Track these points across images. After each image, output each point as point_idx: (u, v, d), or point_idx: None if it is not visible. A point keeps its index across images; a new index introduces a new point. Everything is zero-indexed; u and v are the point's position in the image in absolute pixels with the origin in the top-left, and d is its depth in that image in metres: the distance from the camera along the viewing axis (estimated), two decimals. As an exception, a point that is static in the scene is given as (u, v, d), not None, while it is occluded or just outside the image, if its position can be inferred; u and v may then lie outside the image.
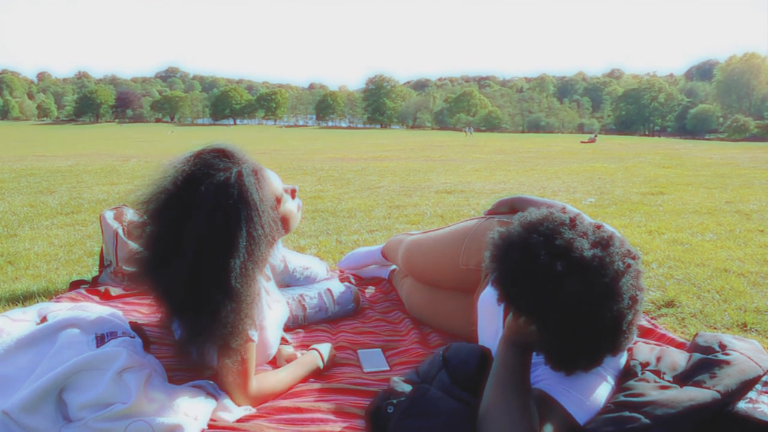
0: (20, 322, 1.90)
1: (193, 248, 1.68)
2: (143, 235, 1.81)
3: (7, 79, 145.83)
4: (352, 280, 3.28)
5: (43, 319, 1.92)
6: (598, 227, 1.57)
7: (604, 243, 1.50)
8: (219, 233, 1.69)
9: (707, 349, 1.86)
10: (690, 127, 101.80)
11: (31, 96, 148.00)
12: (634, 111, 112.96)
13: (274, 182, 1.98)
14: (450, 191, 8.03)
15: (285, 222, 2.02)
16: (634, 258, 1.52)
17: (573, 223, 1.54)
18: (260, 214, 1.75)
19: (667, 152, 21.24)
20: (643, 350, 1.91)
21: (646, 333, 2.37)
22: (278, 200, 1.97)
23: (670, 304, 3.01)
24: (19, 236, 4.77)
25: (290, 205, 2.07)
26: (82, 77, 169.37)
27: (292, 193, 2.11)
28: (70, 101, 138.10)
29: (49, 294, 3.11)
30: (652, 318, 2.77)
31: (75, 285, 3.11)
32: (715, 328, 2.70)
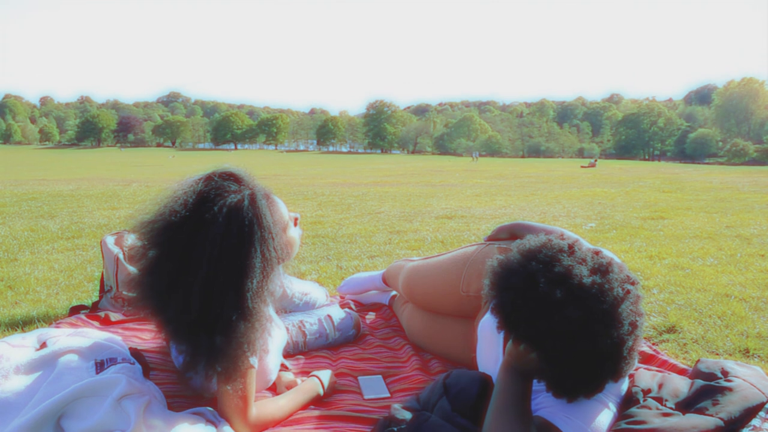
0: (20, 347, 1.89)
1: (206, 268, 1.68)
2: (146, 258, 1.80)
3: (10, 103, 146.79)
4: (353, 306, 3.27)
5: (43, 345, 1.91)
6: (597, 253, 1.57)
7: (603, 269, 1.50)
8: (234, 253, 1.70)
9: (710, 376, 1.85)
10: (689, 151, 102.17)
11: (33, 120, 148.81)
12: (633, 135, 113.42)
13: (282, 208, 2.00)
14: (450, 216, 8.03)
15: (287, 248, 2.03)
16: (633, 284, 1.52)
17: (572, 249, 1.55)
18: (273, 235, 1.76)
19: (667, 177, 21.28)
20: (645, 377, 1.90)
21: (648, 359, 2.36)
22: (285, 226, 1.98)
23: (671, 329, 3.00)
24: (19, 261, 4.77)
25: (293, 233, 2.08)
26: (84, 102, 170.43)
27: (295, 221, 2.13)
28: (73, 125, 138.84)
29: (49, 319, 3.09)
30: (653, 344, 2.75)
31: (75, 310, 3.10)
32: (718, 354, 2.68)
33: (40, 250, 5.28)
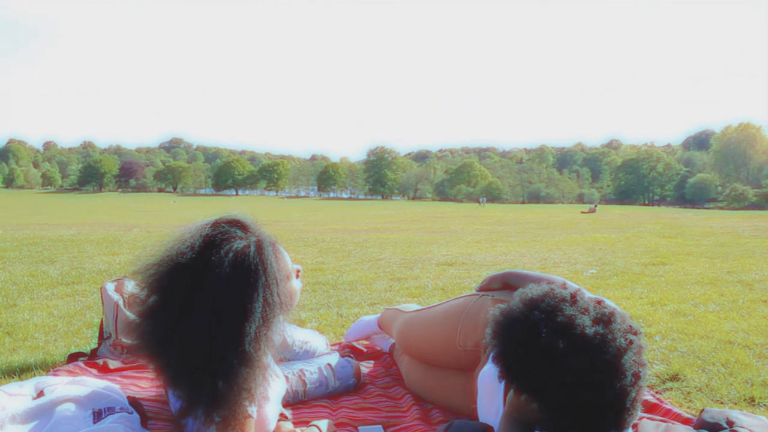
0: (17, 396, 1.87)
1: (209, 311, 1.68)
2: (148, 301, 1.79)
3: (13, 148, 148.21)
4: (353, 355, 3.25)
5: (40, 394, 1.89)
6: (599, 303, 1.57)
7: (606, 319, 1.50)
8: (237, 298, 1.70)
9: (715, 426, 1.83)
10: (689, 196, 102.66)
11: (36, 165, 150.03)
12: (633, 181, 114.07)
13: (287, 258, 2.01)
14: (451, 263, 8.02)
15: (290, 298, 2.03)
16: (636, 334, 1.51)
17: (574, 299, 1.54)
18: (277, 283, 1.77)
19: (667, 222, 21.31)
20: (649, 427, 1.88)
21: (651, 408, 2.33)
22: (288, 276, 1.99)
23: (674, 377, 2.97)
24: (18, 306, 4.75)
25: (295, 284, 2.09)
26: (87, 147, 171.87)
27: (297, 273, 2.14)
28: (75, 170, 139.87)
29: (47, 366, 3.07)
30: (656, 392, 2.72)
31: (73, 357, 3.08)
32: (722, 403, 2.65)
33: (39, 295, 5.26)
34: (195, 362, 1.69)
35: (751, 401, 2.66)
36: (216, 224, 1.82)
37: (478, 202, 73.95)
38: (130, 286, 3.06)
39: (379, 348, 3.36)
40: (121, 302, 3.02)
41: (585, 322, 1.46)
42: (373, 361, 3.20)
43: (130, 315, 2.93)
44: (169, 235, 1.84)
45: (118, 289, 3.08)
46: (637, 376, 1.46)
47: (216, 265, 1.71)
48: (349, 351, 3.31)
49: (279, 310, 1.78)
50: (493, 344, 1.57)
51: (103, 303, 3.10)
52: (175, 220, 23.17)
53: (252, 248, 1.75)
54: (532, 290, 1.61)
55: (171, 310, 1.74)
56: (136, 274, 1.84)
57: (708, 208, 75.85)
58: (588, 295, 1.64)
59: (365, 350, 3.38)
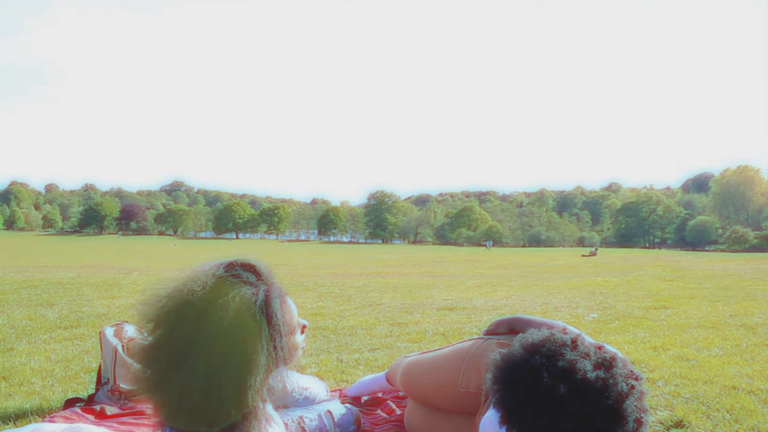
0: (12, 444, 1.85)
1: (208, 354, 1.67)
2: (154, 332, 1.78)
3: (15, 190, 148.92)
4: (353, 402, 3.21)
5: (36, 441, 1.87)
6: (600, 348, 1.56)
7: (607, 364, 1.49)
8: (236, 344, 1.69)
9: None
10: (690, 238, 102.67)
11: (37, 207, 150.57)
12: (633, 224, 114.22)
13: (294, 311, 2.01)
14: (452, 308, 7.98)
15: (292, 352, 2.03)
16: (637, 379, 1.50)
17: (575, 344, 1.54)
18: (281, 335, 1.76)
19: (668, 264, 21.26)
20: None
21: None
22: (292, 330, 1.99)
23: (678, 424, 2.93)
24: (15, 350, 4.72)
25: (298, 339, 2.09)
26: (88, 189, 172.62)
27: (302, 328, 2.13)
28: (76, 213, 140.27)
29: (43, 412, 3.03)
30: (661, 439, 2.68)
31: (70, 403, 3.05)
32: (728, 451, 2.61)
33: (37, 339, 5.23)
34: (191, 404, 1.67)
35: (758, 448, 2.62)
36: (230, 266, 1.82)
37: (485, 246, 74.74)
38: (130, 331, 3.04)
39: (380, 395, 3.33)
40: (120, 347, 3.00)
41: (586, 366, 1.46)
42: (373, 409, 3.16)
43: (129, 360, 2.90)
44: (183, 271, 1.84)
45: (117, 334, 3.07)
46: (638, 422, 1.44)
47: (221, 308, 1.70)
48: (350, 398, 3.28)
49: (278, 364, 1.77)
50: (493, 389, 1.57)
51: (101, 348, 3.08)
52: (175, 263, 23.14)
53: (260, 297, 1.75)
54: (533, 335, 1.61)
55: (174, 346, 1.73)
56: (144, 305, 1.83)
57: (709, 251, 75.81)
58: (588, 340, 1.64)
59: (380, 395, 3.34)
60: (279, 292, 1.84)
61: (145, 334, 1.80)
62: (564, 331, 1.65)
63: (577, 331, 1.79)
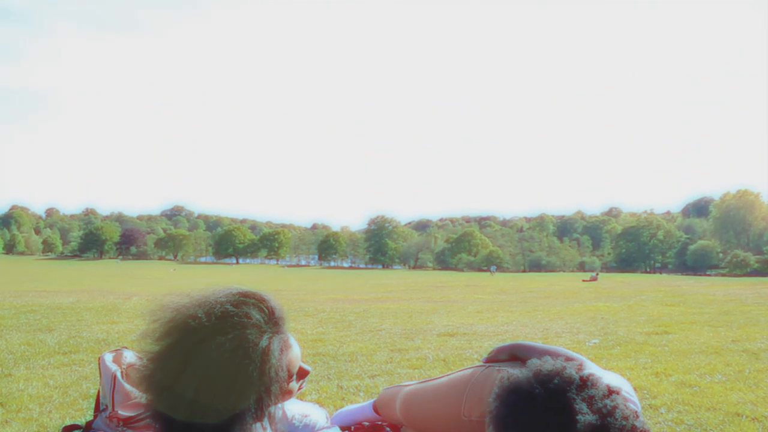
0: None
1: (199, 384, 1.65)
2: (159, 341, 1.76)
3: (16, 214, 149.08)
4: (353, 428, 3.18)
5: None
6: (610, 393, 1.54)
7: (605, 412, 1.48)
8: (229, 382, 1.67)
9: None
10: (690, 263, 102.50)
11: (38, 231, 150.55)
12: (634, 248, 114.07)
13: (296, 354, 1.97)
14: (452, 334, 7.94)
15: (281, 397, 1.99)
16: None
17: (584, 383, 1.53)
18: (272, 384, 1.74)
19: (669, 289, 21.20)
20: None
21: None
22: (290, 375, 1.95)
23: (682, 452, 2.90)
24: (13, 376, 4.69)
25: (293, 386, 2.05)
26: (89, 214, 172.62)
27: (303, 374, 2.08)
28: (76, 237, 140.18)
29: (40, 440, 3.01)
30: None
31: (67, 430, 3.01)
32: (732, 479, 2.58)
33: (35, 365, 5.20)
34: (177, 426, 1.67)
35: (762, 476, 2.59)
36: (241, 301, 1.79)
37: (489, 271, 75.08)
38: (129, 357, 3.02)
39: (379, 423, 3.29)
40: (119, 373, 2.97)
41: (582, 409, 1.45)
42: (373, 435, 3.13)
43: (128, 386, 2.88)
44: (196, 291, 1.82)
45: (116, 360, 3.04)
46: None
47: (220, 342, 1.69)
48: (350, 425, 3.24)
49: (266, 404, 1.75)
50: (493, 405, 1.57)
51: (100, 374, 3.05)
52: (175, 288, 23.06)
53: (263, 342, 1.72)
54: (546, 365, 1.61)
55: (173, 361, 1.72)
56: (153, 313, 1.81)
57: (710, 275, 75.68)
58: (603, 380, 1.62)
59: (366, 424, 3.30)
60: (283, 340, 1.81)
61: (153, 341, 1.78)
62: (579, 367, 1.64)
63: (590, 370, 1.76)
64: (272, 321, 1.80)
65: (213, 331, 1.71)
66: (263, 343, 1.72)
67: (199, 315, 1.73)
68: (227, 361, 1.68)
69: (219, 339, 1.70)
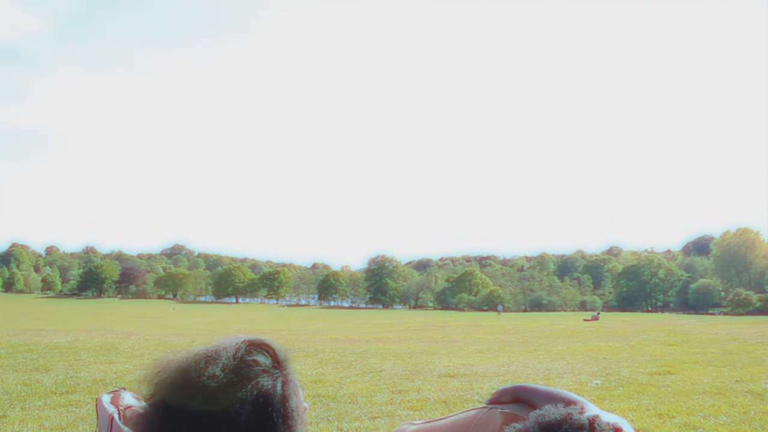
0: None
1: None
2: (156, 402, 1.73)
3: (16, 252, 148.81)
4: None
5: None
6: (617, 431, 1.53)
7: None
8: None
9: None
10: (692, 301, 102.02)
11: (37, 269, 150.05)
12: (635, 287, 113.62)
13: (300, 395, 1.97)
14: (453, 375, 7.87)
15: None
16: None
17: (592, 428, 1.52)
18: (301, 422, 1.73)
19: (671, 328, 21.04)
20: None
21: None
22: (303, 422, 1.95)
23: (688, 495, 2.85)
24: (8, 417, 4.63)
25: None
26: (89, 252, 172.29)
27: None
28: (76, 275, 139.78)
29: (35, 483, 2.96)
30: None
31: (63, 473, 2.97)
32: None
33: (31, 406, 5.14)
34: None
35: None
36: (249, 349, 1.78)
37: (496, 311, 75.82)
38: (127, 398, 2.99)
39: None
40: (116, 415, 2.94)
41: None
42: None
43: (126, 429, 2.85)
44: (199, 345, 1.81)
45: (114, 402, 3.02)
46: None
47: (241, 399, 1.67)
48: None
49: None
50: None
51: (97, 416, 3.02)
52: (174, 327, 22.91)
53: (278, 391, 1.72)
54: (551, 414, 1.59)
55: (173, 424, 1.69)
56: (152, 369, 1.78)
57: (712, 314, 75.26)
58: (606, 419, 1.61)
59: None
60: (295, 384, 1.80)
61: (149, 403, 1.75)
62: (582, 410, 1.63)
63: (594, 412, 1.75)
64: (281, 364, 1.80)
65: (231, 388, 1.70)
66: (279, 388, 1.72)
67: (216, 373, 1.72)
68: (251, 414, 1.67)
69: (241, 394, 1.68)
